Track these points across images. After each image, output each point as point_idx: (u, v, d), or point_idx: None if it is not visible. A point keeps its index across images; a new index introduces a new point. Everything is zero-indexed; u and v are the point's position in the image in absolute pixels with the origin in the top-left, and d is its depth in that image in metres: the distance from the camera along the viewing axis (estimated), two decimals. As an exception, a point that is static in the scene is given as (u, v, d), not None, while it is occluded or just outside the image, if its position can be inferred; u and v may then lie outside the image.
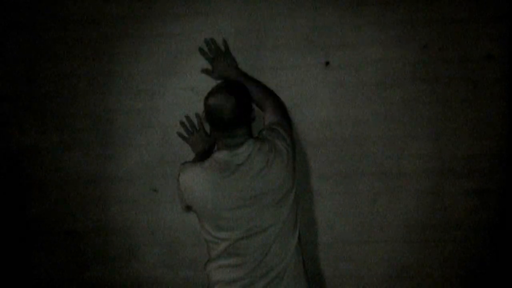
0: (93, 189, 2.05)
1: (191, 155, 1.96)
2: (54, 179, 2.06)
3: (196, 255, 2.03)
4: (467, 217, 1.93)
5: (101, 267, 2.07)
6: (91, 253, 2.07)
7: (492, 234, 1.92)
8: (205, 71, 1.94)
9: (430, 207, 1.94)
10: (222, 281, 1.54)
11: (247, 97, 1.58)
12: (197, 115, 1.98)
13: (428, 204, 1.94)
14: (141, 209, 2.04)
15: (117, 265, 2.06)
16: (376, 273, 1.97)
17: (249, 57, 1.97)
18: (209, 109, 1.52)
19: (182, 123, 1.95)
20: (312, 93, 1.95)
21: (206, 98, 1.55)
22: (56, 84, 2.04)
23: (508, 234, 1.91)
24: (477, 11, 1.88)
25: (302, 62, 1.95)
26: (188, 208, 1.64)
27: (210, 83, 1.99)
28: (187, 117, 1.96)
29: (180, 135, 1.96)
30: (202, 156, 1.87)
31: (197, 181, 1.51)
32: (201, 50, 1.93)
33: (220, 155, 1.52)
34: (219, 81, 1.86)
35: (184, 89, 2.01)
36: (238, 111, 1.50)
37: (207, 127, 1.98)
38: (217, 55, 1.91)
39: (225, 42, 1.94)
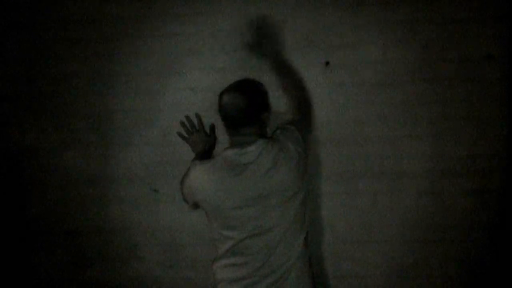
0: (93, 189, 2.05)
1: (191, 155, 1.96)
2: (54, 179, 2.06)
3: (196, 255, 2.03)
4: (467, 217, 1.93)
5: (101, 267, 2.07)
6: (91, 253, 2.07)
7: (492, 234, 1.92)
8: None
9: (430, 207, 1.94)
10: (226, 279, 1.54)
11: (262, 98, 1.54)
12: (197, 115, 1.98)
13: (428, 204, 1.94)
14: (141, 209, 2.04)
15: (117, 265, 2.06)
16: (376, 273, 1.97)
17: (249, 57, 1.97)
18: (221, 105, 1.52)
19: (182, 123, 1.95)
20: (312, 93, 1.95)
21: (220, 94, 1.54)
22: (56, 84, 2.04)
23: (508, 234, 1.91)
24: (477, 11, 1.88)
25: (302, 62, 1.95)
26: (196, 206, 1.64)
27: (210, 83, 2.00)
28: (187, 117, 1.96)
29: (180, 135, 1.96)
30: (203, 156, 1.87)
31: (206, 178, 1.51)
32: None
33: (229, 153, 1.51)
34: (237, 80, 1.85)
35: (184, 89, 2.01)
36: (248, 110, 1.48)
37: (207, 127, 1.98)
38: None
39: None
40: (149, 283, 2.05)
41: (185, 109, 2.00)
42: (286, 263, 1.49)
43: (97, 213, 2.06)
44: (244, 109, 1.48)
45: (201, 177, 1.52)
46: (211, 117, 2.00)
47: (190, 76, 2.00)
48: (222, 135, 1.98)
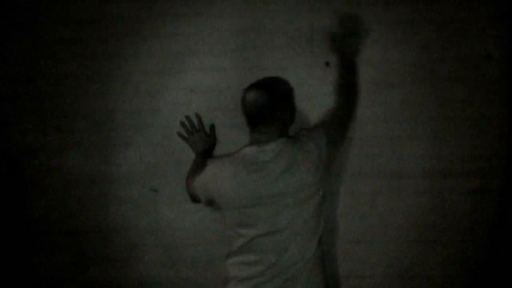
0: (93, 189, 2.05)
1: (191, 155, 1.96)
2: (54, 179, 2.06)
3: (196, 255, 2.03)
4: (467, 217, 1.93)
5: (101, 267, 2.07)
6: (91, 253, 2.07)
7: (492, 234, 1.92)
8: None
9: (430, 207, 1.94)
10: (237, 277, 1.52)
11: (285, 97, 1.53)
12: (197, 115, 1.98)
13: (428, 204, 1.94)
14: (141, 209, 2.04)
15: (117, 265, 2.06)
16: (376, 273, 1.97)
17: (249, 57, 1.97)
18: (244, 101, 1.52)
19: (182, 123, 1.95)
20: (312, 94, 1.95)
21: (245, 90, 1.54)
22: (56, 84, 2.04)
23: (508, 234, 1.91)
24: (477, 11, 1.88)
25: (302, 62, 1.95)
26: (210, 203, 1.62)
27: (210, 83, 2.00)
28: (187, 117, 1.96)
29: (180, 135, 1.96)
30: (204, 155, 1.87)
31: (224, 173, 1.50)
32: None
33: (248, 150, 1.51)
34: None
35: (184, 89, 2.01)
36: (269, 109, 1.48)
37: (207, 127, 1.98)
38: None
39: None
40: (149, 283, 2.05)
41: (185, 109, 2.00)
42: (298, 264, 1.47)
43: (97, 213, 2.06)
44: (266, 107, 1.47)
45: (219, 173, 1.51)
46: (211, 117, 2.00)
47: (190, 76, 2.00)
48: (222, 135, 1.98)
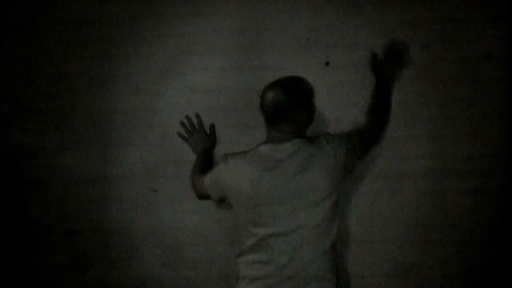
0: (93, 189, 2.05)
1: (192, 155, 1.96)
2: (54, 179, 2.06)
3: (196, 255, 2.03)
4: (467, 217, 1.93)
5: (101, 267, 2.07)
6: (91, 253, 2.07)
7: (492, 234, 1.92)
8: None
9: (430, 207, 1.94)
10: (248, 276, 1.51)
11: (304, 97, 1.52)
12: (197, 115, 1.98)
13: (428, 204, 1.94)
14: (141, 209, 2.04)
15: (117, 265, 2.06)
16: (376, 273, 1.97)
17: (249, 57, 1.97)
18: (262, 98, 1.52)
19: (182, 123, 1.95)
20: (312, 93, 1.95)
21: (265, 88, 1.54)
22: (56, 84, 2.05)
23: (508, 234, 1.91)
24: (477, 11, 1.88)
25: (302, 62, 1.95)
26: (221, 200, 1.62)
27: (210, 83, 2.00)
28: (187, 117, 1.96)
29: (180, 135, 1.96)
30: (206, 155, 1.87)
31: (239, 171, 1.50)
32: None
33: (263, 148, 1.51)
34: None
35: (184, 89, 2.01)
36: (287, 108, 1.47)
37: (207, 127, 1.98)
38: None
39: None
40: (149, 283, 2.05)
41: (185, 109, 2.00)
42: (309, 267, 1.46)
43: (97, 213, 2.06)
44: (284, 106, 1.47)
45: (234, 170, 1.51)
46: (211, 117, 2.00)
47: (190, 76, 2.00)
48: (222, 135, 1.98)
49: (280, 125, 1.49)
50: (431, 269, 1.95)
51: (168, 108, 2.01)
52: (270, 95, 1.49)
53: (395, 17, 1.91)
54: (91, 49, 2.02)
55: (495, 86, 1.89)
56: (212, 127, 1.97)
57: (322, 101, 1.95)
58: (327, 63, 1.94)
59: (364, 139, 1.59)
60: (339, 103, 1.94)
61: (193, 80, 2.00)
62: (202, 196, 1.72)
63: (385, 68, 1.76)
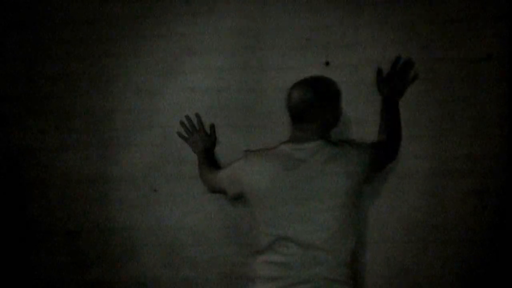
0: (93, 189, 2.05)
1: (191, 155, 1.97)
2: (54, 179, 2.06)
3: (196, 255, 2.03)
4: (467, 217, 1.93)
5: (101, 267, 2.07)
6: (91, 253, 2.07)
7: (492, 234, 1.92)
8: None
9: (430, 207, 1.94)
10: (262, 277, 1.49)
11: (331, 98, 1.52)
12: (197, 115, 1.98)
13: (428, 204, 1.94)
14: (141, 209, 2.04)
15: (117, 265, 2.06)
16: (376, 273, 1.97)
17: (249, 57, 1.97)
18: (288, 96, 1.52)
19: (182, 123, 1.95)
20: (312, 93, 1.95)
21: (292, 85, 1.54)
22: (56, 84, 2.05)
23: (508, 234, 1.91)
24: (477, 11, 1.88)
25: (302, 62, 1.95)
26: (238, 196, 1.61)
27: (210, 83, 2.00)
28: (187, 117, 1.97)
29: (180, 135, 1.97)
30: (207, 154, 1.86)
31: (259, 168, 1.49)
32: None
33: (285, 146, 1.50)
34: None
35: (184, 89, 2.01)
36: (312, 108, 1.47)
37: (207, 127, 1.98)
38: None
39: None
40: (149, 283, 2.05)
41: (185, 109, 2.00)
42: (325, 271, 1.43)
43: (97, 213, 2.06)
44: (310, 105, 1.47)
45: (255, 167, 1.50)
46: (211, 117, 2.00)
47: (190, 76, 2.00)
48: (222, 135, 1.98)
49: (305, 124, 1.49)
50: (431, 269, 1.95)
51: (168, 108, 2.01)
52: (297, 93, 1.49)
53: (395, 17, 1.91)
54: (91, 49, 2.02)
55: (495, 86, 1.89)
56: (212, 127, 1.97)
57: (322, 101, 1.95)
58: (327, 63, 1.94)
59: (383, 153, 1.61)
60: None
61: (193, 80, 2.00)
62: (215, 191, 1.73)
63: (391, 86, 1.79)
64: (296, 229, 1.45)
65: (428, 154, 1.93)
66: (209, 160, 1.87)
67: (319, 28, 1.94)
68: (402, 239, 1.96)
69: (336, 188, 1.44)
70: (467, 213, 1.92)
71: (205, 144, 1.91)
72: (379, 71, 1.88)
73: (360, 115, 1.93)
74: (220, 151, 1.99)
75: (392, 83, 1.83)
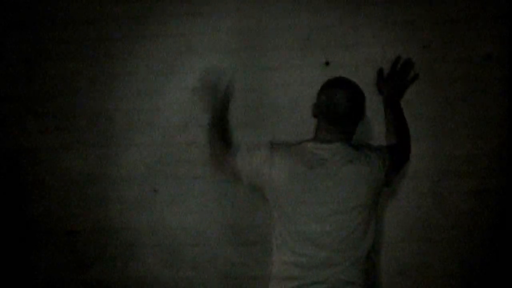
0: (93, 189, 2.05)
1: (191, 155, 1.97)
2: (54, 179, 2.06)
3: (196, 255, 2.03)
4: (467, 217, 1.92)
5: (101, 267, 2.07)
6: (91, 253, 2.07)
7: (492, 234, 1.92)
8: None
9: (430, 207, 1.94)
10: (278, 276, 1.49)
11: (364, 104, 1.54)
12: (218, 73, 1.90)
13: (428, 204, 1.94)
14: (141, 209, 2.04)
15: (117, 265, 2.06)
16: (376, 273, 1.97)
17: (249, 57, 1.97)
18: (328, 96, 1.49)
19: (201, 79, 1.85)
20: (312, 93, 1.93)
21: (330, 85, 1.52)
22: (56, 84, 2.04)
23: (508, 234, 1.91)
24: (477, 11, 1.88)
25: (302, 62, 1.95)
26: (252, 185, 1.59)
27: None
28: (207, 72, 1.90)
29: (196, 90, 1.89)
30: (221, 116, 1.75)
31: (284, 163, 1.48)
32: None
33: (309, 145, 1.50)
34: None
35: (184, 89, 2.01)
36: (354, 112, 1.49)
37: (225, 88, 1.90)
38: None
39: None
40: (149, 283, 2.05)
41: (185, 109, 2.00)
42: (341, 273, 1.43)
43: (97, 213, 2.06)
44: (352, 109, 1.47)
45: (279, 160, 1.49)
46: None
47: (190, 76, 2.00)
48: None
49: (339, 126, 1.49)
50: (431, 269, 1.95)
51: (168, 108, 2.01)
52: (340, 95, 1.47)
53: (395, 17, 1.91)
54: (91, 49, 2.02)
55: (495, 86, 1.89)
56: (231, 87, 1.89)
57: (322, 101, 1.95)
58: (327, 63, 1.94)
59: (399, 155, 1.61)
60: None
61: (193, 80, 2.00)
62: (225, 172, 1.67)
63: (391, 86, 1.79)
64: (313, 229, 1.45)
65: (428, 154, 1.93)
66: (221, 125, 1.74)
67: (319, 28, 1.94)
68: (402, 239, 1.96)
69: (354, 190, 1.44)
70: (467, 213, 1.92)
71: (220, 105, 1.85)
72: (379, 71, 1.88)
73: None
74: (220, 151, 1.99)
75: (392, 83, 1.83)
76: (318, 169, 1.45)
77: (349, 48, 1.93)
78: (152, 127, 2.03)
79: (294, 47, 1.95)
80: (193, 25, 1.99)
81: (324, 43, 1.94)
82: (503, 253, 1.91)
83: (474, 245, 1.93)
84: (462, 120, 1.91)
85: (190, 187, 2.01)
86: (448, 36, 1.90)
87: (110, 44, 2.01)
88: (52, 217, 2.07)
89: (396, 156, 1.56)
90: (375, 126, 1.93)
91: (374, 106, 1.90)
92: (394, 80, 1.84)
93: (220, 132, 1.70)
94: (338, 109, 1.47)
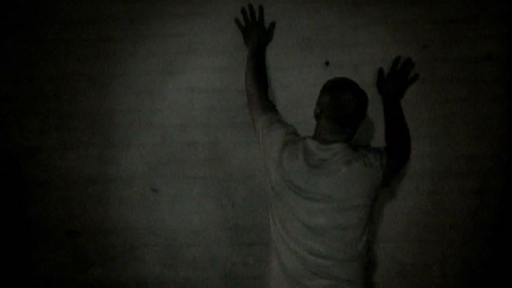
0: (93, 189, 2.05)
1: (191, 155, 1.97)
2: (54, 179, 2.06)
3: (196, 255, 2.03)
4: (467, 217, 1.93)
5: (101, 267, 2.07)
6: (91, 253, 2.07)
7: (492, 234, 1.92)
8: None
9: (430, 207, 1.94)
10: (276, 275, 1.53)
11: (366, 106, 1.55)
12: (260, 7, 1.92)
13: (428, 204, 1.94)
14: (141, 209, 2.04)
15: (117, 265, 2.06)
16: (376, 273, 1.97)
17: (249, 57, 1.97)
18: (333, 96, 1.50)
19: (243, 11, 1.92)
20: (312, 93, 1.94)
21: (335, 85, 1.53)
22: (56, 84, 2.05)
23: (508, 234, 1.91)
24: (477, 11, 1.88)
25: (302, 62, 1.95)
26: (259, 142, 1.64)
27: (210, 83, 2.00)
28: (250, 6, 1.93)
29: (237, 22, 1.93)
30: (259, 51, 1.84)
31: (291, 154, 1.51)
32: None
33: (310, 144, 1.52)
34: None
35: (184, 89, 2.01)
36: (358, 113, 1.51)
37: (267, 23, 1.94)
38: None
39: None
40: (149, 283, 2.05)
41: (185, 109, 2.00)
42: (337, 269, 1.46)
43: (97, 213, 2.06)
44: (356, 110, 1.49)
45: (286, 155, 1.52)
46: (211, 117, 2.00)
47: (190, 76, 2.00)
48: (222, 135, 1.98)
49: (343, 127, 1.50)
50: (431, 269, 1.95)
51: (168, 108, 2.01)
52: (346, 97, 1.49)
53: (395, 17, 1.91)
54: (91, 49, 2.02)
55: (495, 86, 1.89)
56: (272, 24, 1.93)
57: (322, 101, 1.94)
58: (327, 63, 1.94)
59: (398, 155, 1.61)
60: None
61: (193, 80, 2.00)
62: (250, 104, 1.73)
63: (391, 86, 1.80)
64: (308, 221, 1.47)
65: (428, 154, 1.93)
66: (258, 59, 1.83)
67: (319, 28, 1.94)
68: (402, 239, 1.96)
69: (351, 190, 1.46)
70: (467, 213, 1.92)
71: (259, 39, 1.88)
72: (379, 71, 1.89)
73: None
74: (221, 151, 1.99)
75: (392, 83, 1.83)
76: (317, 168, 1.47)
77: (349, 48, 1.93)
78: (152, 127, 2.03)
79: (294, 47, 1.95)
80: (193, 25, 1.99)
81: (324, 43, 1.94)
82: (503, 253, 1.91)
83: (474, 245, 1.93)
84: (462, 120, 1.91)
85: (190, 187, 2.01)
86: (448, 36, 1.90)
87: (110, 44, 2.01)
88: (52, 217, 2.07)
89: (394, 157, 1.57)
90: (375, 126, 1.93)
91: (374, 106, 1.91)
92: (394, 80, 1.84)
93: (256, 66, 1.79)
94: (344, 108, 1.49)
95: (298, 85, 1.96)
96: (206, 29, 1.98)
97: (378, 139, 1.93)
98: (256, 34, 1.89)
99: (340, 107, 1.49)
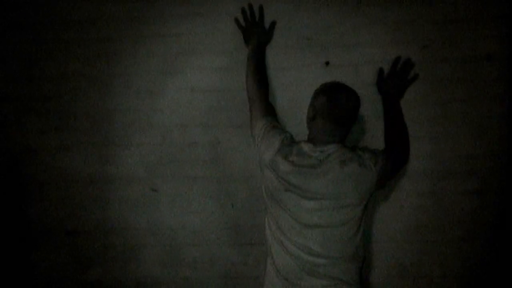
0: (93, 189, 2.05)
1: (191, 155, 1.97)
2: (54, 179, 2.06)
3: (196, 255, 2.03)
4: (467, 217, 1.93)
5: (101, 267, 2.07)
6: (91, 253, 2.07)
7: (492, 234, 1.92)
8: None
9: (430, 207, 1.94)
10: (269, 274, 1.55)
11: (358, 109, 1.56)
12: (260, 7, 1.93)
13: (428, 204, 1.94)
14: (141, 209, 2.04)
15: (117, 265, 2.06)
16: (376, 273, 1.97)
17: (249, 57, 1.97)
18: (329, 97, 1.51)
19: (243, 11, 1.92)
20: (312, 93, 1.95)
21: (329, 87, 1.54)
22: (56, 84, 2.04)
23: (508, 234, 1.91)
24: (477, 11, 1.88)
25: (302, 62, 1.95)
26: (255, 142, 1.65)
27: (210, 83, 2.00)
28: (250, 6, 1.93)
29: (237, 22, 1.94)
30: (259, 51, 1.85)
31: (285, 156, 1.53)
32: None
33: (305, 146, 1.53)
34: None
35: (184, 89, 2.01)
36: (353, 114, 1.52)
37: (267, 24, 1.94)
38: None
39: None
40: (149, 283, 2.05)
41: (185, 109, 2.00)
42: (331, 267, 1.47)
43: (97, 213, 2.06)
44: (350, 111, 1.50)
45: (282, 151, 1.54)
46: (211, 117, 2.00)
47: (190, 76, 2.00)
48: (222, 135, 1.98)
49: (337, 125, 1.51)
50: (431, 269, 1.95)
51: (168, 108, 2.01)
52: (344, 98, 1.50)
53: (395, 17, 1.91)
54: (91, 49, 2.02)
55: (495, 86, 1.89)
56: (273, 23, 1.94)
57: (322, 101, 1.94)
58: (327, 63, 1.94)
59: (395, 156, 1.61)
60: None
61: (193, 80, 2.00)
62: (250, 104, 1.74)
63: (391, 86, 1.80)
64: (305, 222, 1.48)
65: (428, 154, 1.93)
66: (258, 59, 1.84)
67: (319, 28, 1.94)
68: (402, 239, 1.96)
69: (345, 190, 1.47)
70: (467, 213, 1.92)
71: (259, 39, 1.88)
72: (379, 71, 1.89)
73: (360, 115, 1.93)
74: (221, 151, 1.99)
75: (392, 83, 1.83)
76: (313, 168, 1.48)
77: (349, 48, 1.93)
78: (152, 127, 2.03)
79: (294, 47, 1.95)
80: (193, 25, 1.99)
81: (324, 43, 1.94)
82: (503, 253, 1.91)
83: (474, 245, 1.93)
84: (462, 120, 1.91)
85: (190, 187, 2.01)
86: (448, 36, 1.90)
87: (110, 44, 2.01)
88: (52, 217, 2.07)
89: (392, 159, 1.57)
90: (375, 126, 1.93)
91: (374, 106, 1.91)
92: (394, 80, 1.84)
93: (257, 66, 1.80)
94: (341, 107, 1.49)
95: (298, 85, 1.95)
96: (206, 29, 1.98)
97: (378, 139, 1.93)
98: (256, 34, 1.90)
99: (337, 106, 1.49)
